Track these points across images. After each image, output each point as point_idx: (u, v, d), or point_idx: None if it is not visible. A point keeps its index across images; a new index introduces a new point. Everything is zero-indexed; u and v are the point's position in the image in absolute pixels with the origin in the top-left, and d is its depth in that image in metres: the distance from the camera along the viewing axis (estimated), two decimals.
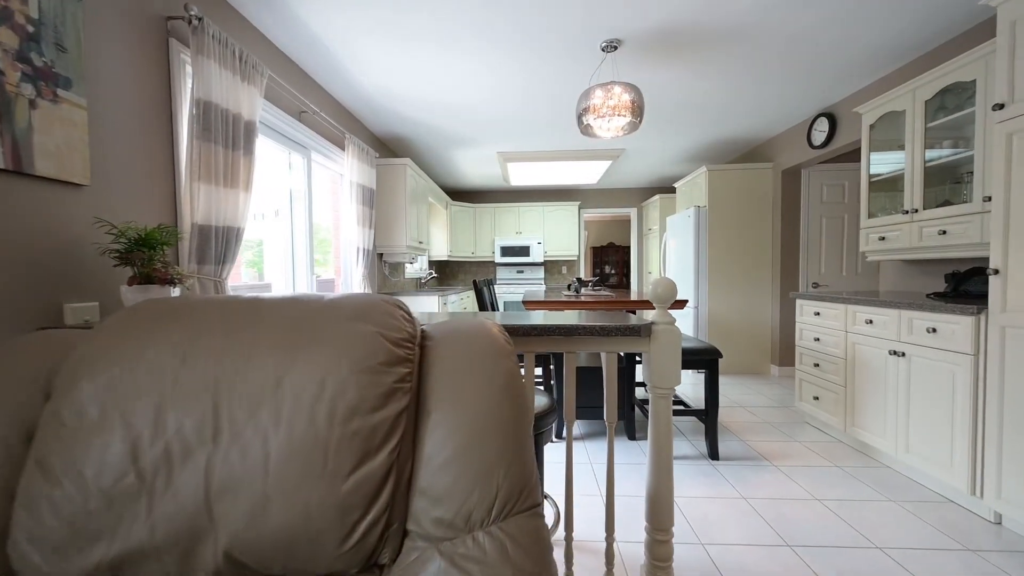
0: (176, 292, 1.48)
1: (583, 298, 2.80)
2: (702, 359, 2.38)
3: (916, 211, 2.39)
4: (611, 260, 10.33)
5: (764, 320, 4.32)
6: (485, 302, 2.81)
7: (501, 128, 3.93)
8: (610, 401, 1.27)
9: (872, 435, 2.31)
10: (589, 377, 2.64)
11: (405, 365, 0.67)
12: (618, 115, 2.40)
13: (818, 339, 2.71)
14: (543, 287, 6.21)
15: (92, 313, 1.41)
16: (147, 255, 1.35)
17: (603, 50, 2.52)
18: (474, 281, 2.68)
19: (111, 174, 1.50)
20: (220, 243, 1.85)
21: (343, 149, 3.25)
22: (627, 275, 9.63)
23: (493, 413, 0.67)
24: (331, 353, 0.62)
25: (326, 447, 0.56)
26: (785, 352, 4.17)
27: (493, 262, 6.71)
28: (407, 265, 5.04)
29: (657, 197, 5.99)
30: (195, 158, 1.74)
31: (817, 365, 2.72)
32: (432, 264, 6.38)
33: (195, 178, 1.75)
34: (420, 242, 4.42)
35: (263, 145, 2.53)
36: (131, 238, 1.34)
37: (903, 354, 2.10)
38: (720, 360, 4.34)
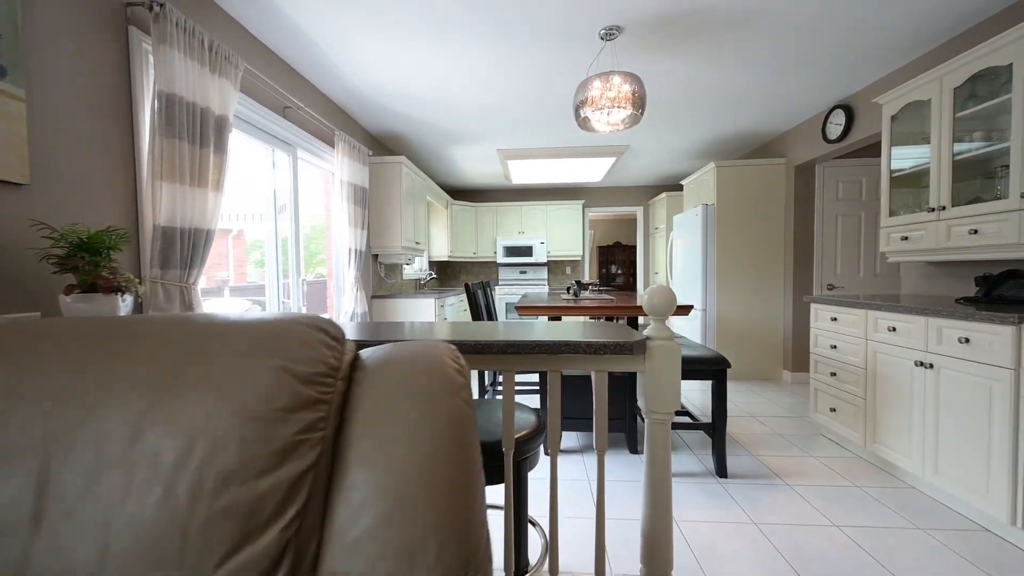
0: (126, 301, 1.35)
1: (584, 302, 2.65)
2: (708, 369, 2.21)
3: (943, 209, 2.20)
4: (618, 260, 10.14)
5: (776, 323, 4.12)
6: (479, 307, 2.67)
7: (499, 124, 3.78)
8: (600, 426, 1.12)
9: (895, 453, 2.12)
10: (588, 384, 2.49)
11: (317, 408, 0.53)
12: (618, 107, 2.24)
13: (835, 346, 2.53)
14: (546, 288, 6.06)
15: None
16: (89, 261, 1.23)
17: (602, 38, 2.36)
18: (466, 285, 2.53)
19: (58, 172, 1.38)
20: (186, 246, 1.72)
21: (333, 147, 3.12)
22: (634, 275, 9.43)
23: (429, 469, 0.53)
24: (211, 397, 0.47)
25: (184, 531, 0.42)
26: (799, 357, 3.97)
27: (495, 262, 6.56)
28: (405, 266, 4.92)
29: (664, 195, 5.80)
30: (157, 155, 1.62)
31: (834, 374, 2.53)
32: (433, 265, 6.26)
33: (157, 176, 1.62)
34: (417, 243, 4.29)
35: (243, 143, 2.41)
36: (72, 242, 1.22)
37: (931, 366, 1.92)
38: (729, 367, 4.15)
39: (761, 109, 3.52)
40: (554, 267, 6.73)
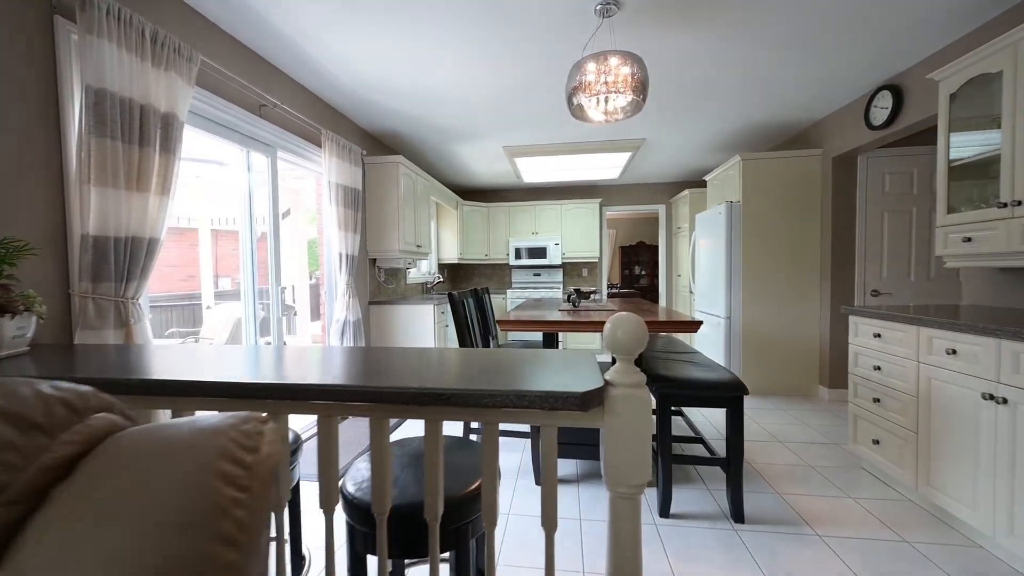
0: (26, 323, 1.19)
1: (580, 315, 2.36)
2: (720, 396, 1.89)
3: (1018, 204, 1.80)
4: (642, 260, 9.70)
5: (811, 333, 3.69)
6: (467, 322, 2.43)
7: (499, 119, 3.53)
8: (548, 497, 0.85)
9: (955, 502, 1.74)
10: None
11: None
12: (616, 93, 1.95)
13: (878, 368, 2.14)
14: (560, 291, 5.77)
15: None
16: None
17: (598, 13, 2.07)
18: (449, 295, 2.30)
19: None
20: (123, 257, 1.57)
21: (320, 146, 2.96)
22: (658, 277, 8.97)
23: None
24: None
25: None
26: (837, 372, 3.53)
27: (508, 265, 6.32)
28: (409, 270, 4.75)
29: (687, 192, 5.40)
30: (86, 157, 1.47)
31: (878, 401, 2.15)
32: (443, 268, 6.09)
33: (86, 180, 1.47)
34: (419, 245, 4.10)
35: (212, 143, 2.27)
36: None
37: (1004, 400, 1.54)
38: (747, 393, 3.75)
39: (794, 93, 3.12)
40: (570, 269, 6.42)
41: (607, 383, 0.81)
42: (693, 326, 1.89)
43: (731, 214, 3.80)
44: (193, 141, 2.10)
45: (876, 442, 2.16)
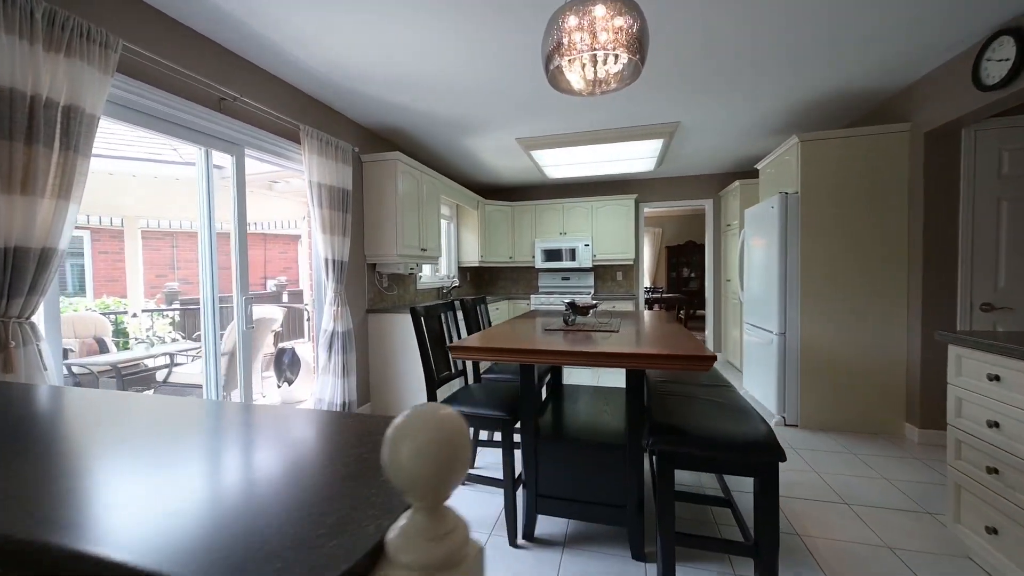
0: None
1: (579, 344, 1.90)
2: (743, 461, 1.36)
3: None
4: (692, 261, 8.86)
5: (895, 356, 2.93)
6: (441, 340, 2.05)
7: (505, 107, 3.12)
8: None
9: None
10: (585, 456, 1.75)
11: None
12: (604, 52, 1.49)
13: (996, 424, 1.49)
14: (589, 299, 5.24)
15: None
16: None
17: None
18: (412, 309, 1.93)
19: None
20: (6, 270, 1.36)
21: (300, 143, 2.73)
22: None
23: None
24: None
25: None
26: (931, 407, 2.76)
27: (534, 268, 5.89)
28: (420, 275, 4.48)
29: (737, 184, 4.67)
30: None
31: (995, 472, 1.50)
32: (465, 272, 5.78)
33: None
34: (424, 249, 3.80)
35: (155, 141, 2.06)
36: None
37: None
38: (783, 460, 3.05)
39: (874, 52, 2.44)
40: (602, 273, 5.86)
41: (382, 549, 0.39)
42: (703, 363, 1.37)
43: (786, 208, 3.12)
44: (151, 139, 1.90)
45: (993, 531, 1.51)
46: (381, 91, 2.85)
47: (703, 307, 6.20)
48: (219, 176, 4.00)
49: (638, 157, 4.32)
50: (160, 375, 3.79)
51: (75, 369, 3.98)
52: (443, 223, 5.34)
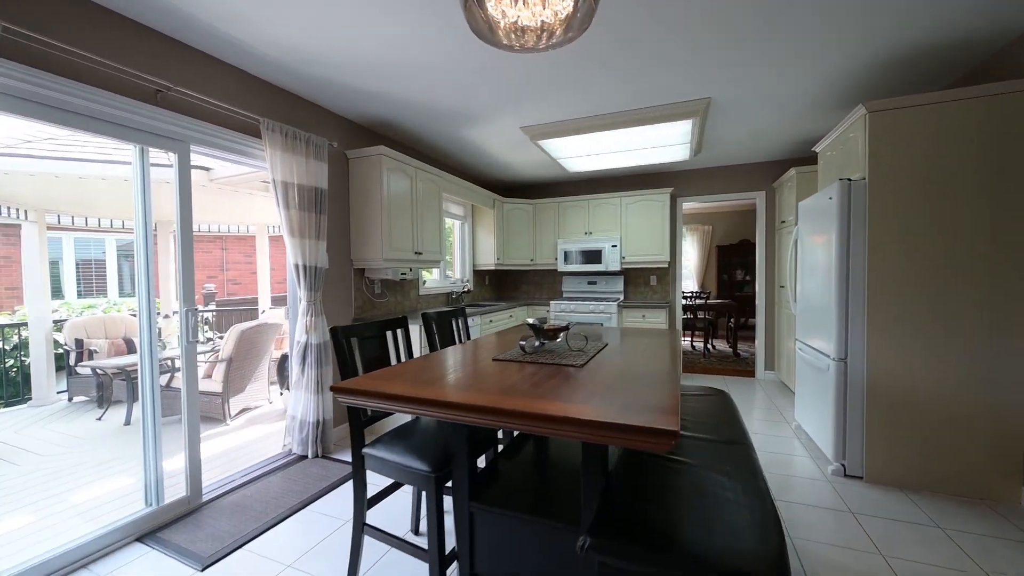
0: None
1: (521, 400, 1.46)
2: None
3: None
4: (747, 263, 7.90)
5: (1011, 397, 2.17)
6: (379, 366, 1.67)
7: (499, 89, 2.71)
8: None
9: None
10: (533, 536, 1.31)
11: None
12: None
13: None
14: (615, 307, 4.67)
15: None
16: None
17: None
18: (332, 331, 1.57)
19: None
20: None
21: (260, 138, 2.49)
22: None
23: None
24: None
25: None
26: None
27: (557, 270, 5.41)
28: (424, 280, 4.18)
29: (792, 172, 3.92)
30: None
31: None
32: (484, 275, 5.42)
33: None
34: (419, 252, 3.48)
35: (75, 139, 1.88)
36: None
37: None
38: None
39: None
40: (633, 276, 5.25)
41: None
42: (657, 442, 0.88)
43: (848, 199, 2.44)
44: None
45: None
46: (353, 78, 2.55)
47: (754, 314, 5.36)
48: (206, 177, 3.95)
49: (667, 144, 3.72)
50: (163, 379, 3.79)
51: (98, 371, 4.11)
52: (456, 224, 5.03)
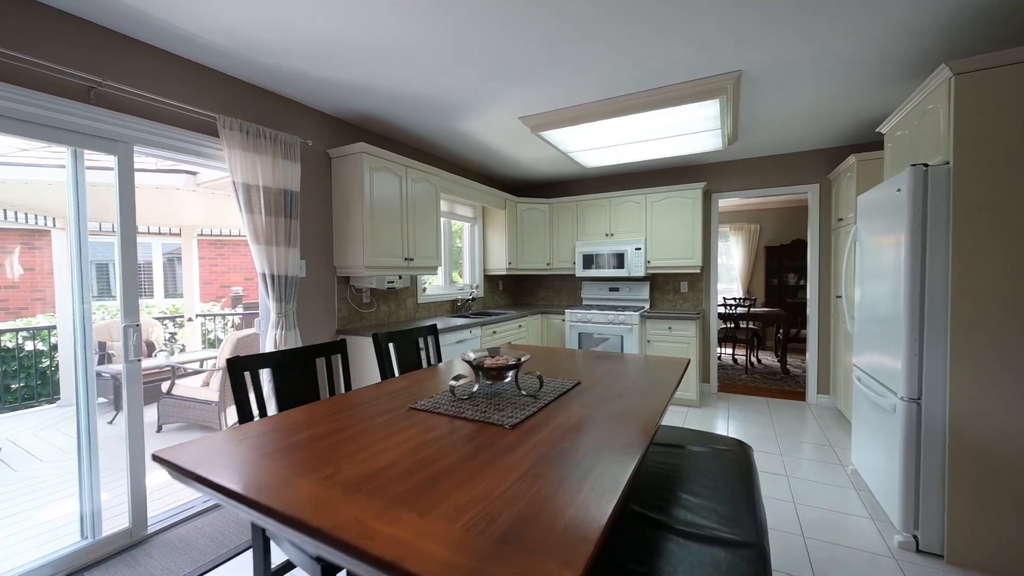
0: None
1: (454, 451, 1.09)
2: None
3: None
4: (801, 266, 7.03)
5: None
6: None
7: (485, 72, 2.36)
8: None
9: None
10: None
11: None
12: None
13: None
14: (638, 316, 4.16)
15: None
16: None
17: None
18: (228, 362, 1.29)
19: None
20: None
21: (218, 136, 2.28)
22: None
23: None
24: None
25: None
26: None
27: (575, 276, 4.96)
28: (425, 287, 3.89)
29: (852, 160, 3.28)
30: None
31: None
32: (498, 280, 5.08)
33: None
34: (409, 259, 3.19)
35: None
36: None
37: None
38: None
39: None
40: (661, 283, 4.71)
41: None
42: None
43: (924, 190, 1.87)
44: None
45: None
46: (315, 67, 2.29)
47: (805, 325, 4.59)
48: (193, 181, 3.86)
49: (694, 131, 3.20)
50: (164, 386, 3.76)
51: (102, 374, 4.17)
52: (465, 226, 4.72)
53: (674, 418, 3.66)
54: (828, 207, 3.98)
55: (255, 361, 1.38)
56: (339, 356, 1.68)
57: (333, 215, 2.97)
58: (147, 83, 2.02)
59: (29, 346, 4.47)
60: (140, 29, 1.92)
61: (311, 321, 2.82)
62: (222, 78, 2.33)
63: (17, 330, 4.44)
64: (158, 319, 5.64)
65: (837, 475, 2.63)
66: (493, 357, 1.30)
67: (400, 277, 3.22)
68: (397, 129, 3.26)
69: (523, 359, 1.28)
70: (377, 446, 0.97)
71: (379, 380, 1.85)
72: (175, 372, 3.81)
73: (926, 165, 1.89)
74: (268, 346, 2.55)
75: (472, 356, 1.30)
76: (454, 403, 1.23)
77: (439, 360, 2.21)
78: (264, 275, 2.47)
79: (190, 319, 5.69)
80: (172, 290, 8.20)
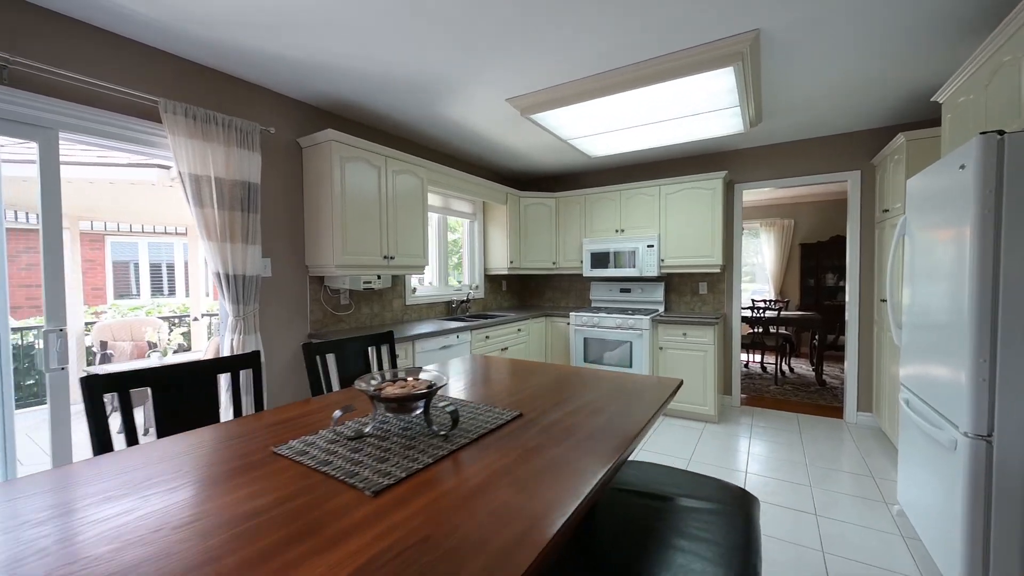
0: None
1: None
2: None
3: None
4: (839, 265, 6.39)
5: None
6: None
7: (458, 43, 2.07)
8: None
9: None
10: None
11: None
12: None
13: None
14: (649, 321, 3.76)
15: None
16: None
17: None
18: (87, 380, 1.05)
19: None
20: None
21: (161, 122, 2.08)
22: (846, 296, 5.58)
23: None
24: None
25: None
26: None
27: (582, 276, 4.59)
28: (414, 287, 3.63)
29: (901, 140, 2.79)
30: None
31: None
32: (501, 280, 4.77)
33: None
34: (389, 257, 2.94)
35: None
36: None
37: None
38: None
39: None
40: (677, 284, 4.28)
41: None
42: None
43: (999, 164, 1.44)
44: None
45: None
46: (261, 41, 2.05)
47: (844, 331, 4.03)
48: (168, 176, 3.73)
49: (710, 110, 2.79)
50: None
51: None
52: (464, 223, 4.45)
53: (687, 436, 3.26)
54: (871, 197, 3.46)
55: (126, 381, 1.13)
56: (251, 371, 1.43)
57: (305, 210, 2.75)
58: (74, 62, 1.83)
59: None
60: (57, 1, 1.72)
61: (278, 324, 2.61)
62: (163, 57, 2.12)
63: None
64: (165, 319, 5.65)
65: (879, 516, 2.18)
66: (396, 382, 1.00)
67: (379, 277, 2.96)
68: (377, 116, 3.01)
69: (438, 385, 0.98)
70: (173, 520, 0.69)
71: (260, 407, 1.57)
72: None
73: (1000, 132, 1.46)
74: (225, 351, 2.34)
75: (375, 380, 1.00)
76: (333, 445, 0.94)
77: (391, 363, 1.93)
78: (219, 275, 2.26)
79: (196, 319, 5.68)
80: (164, 289, 8.27)
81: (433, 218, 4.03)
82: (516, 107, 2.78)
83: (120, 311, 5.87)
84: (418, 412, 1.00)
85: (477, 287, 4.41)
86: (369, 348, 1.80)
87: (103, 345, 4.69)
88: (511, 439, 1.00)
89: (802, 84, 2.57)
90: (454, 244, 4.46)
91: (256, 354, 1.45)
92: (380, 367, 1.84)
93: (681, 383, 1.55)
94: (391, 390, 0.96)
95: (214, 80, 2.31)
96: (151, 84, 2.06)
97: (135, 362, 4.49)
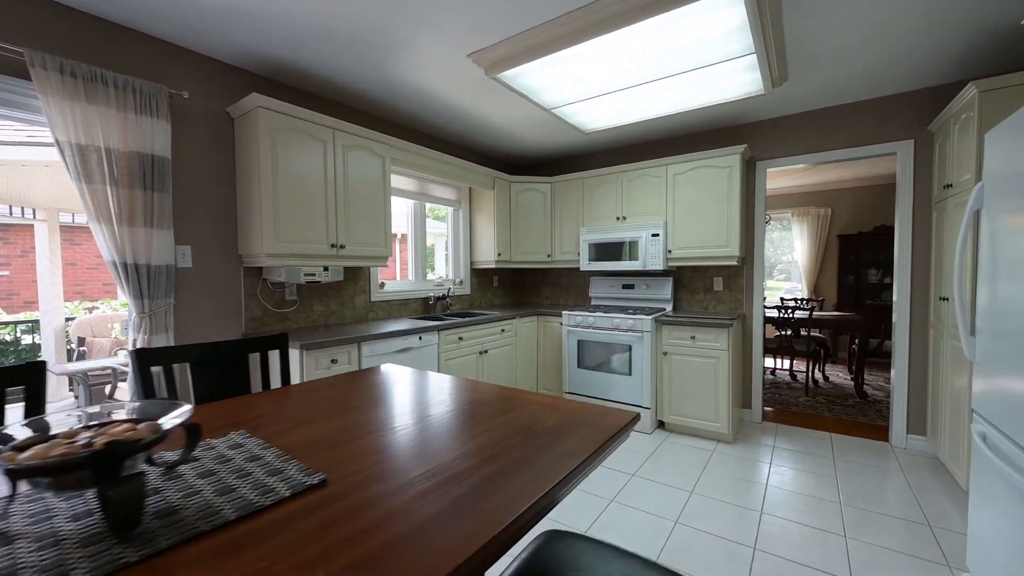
0: None
1: None
2: None
3: None
4: (883, 260, 5.63)
5: None
6: None
7: None
8: None
9: None
10: None
11: None
12: None
13: None
14: (651, 322, 3.23)
15: None
16: None
17: None
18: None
19: None
20: None
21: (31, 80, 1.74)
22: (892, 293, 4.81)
23: None
24: None
25: None
26: None
27: (580, 270, 4.09)
28: (383, 281, 3.23)
29: (973, 91, 2.18)
30: None
31: None
32: (492, 275, 4.33)
33: None
34: (339, 246, 2.55)
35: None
36: None
37: None
38: None
39: None
40: (688, 279, 3.73)
41: None
42: None
43: None
44: None
45: None
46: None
47: (890, 334, 3.30)
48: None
49: (718, 60, 2.25)
50: (107, 389, 3.42)
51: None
52: (449, 211, 4.02)
53: (692, 459, 2.73)
54: (926, 172, 2.83)
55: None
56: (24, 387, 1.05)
57: (237, 191, 2.39)
58: None
59: None
60: None
61: (201, 322, 2.26)
62: (40, 2, 1.78)
63: None
64: None
65: None
66: (91, 428, 0.58)
67: (326, 269, 2.58)
68: (322, 82, 2.62)
69: (146, 440, 0.55)
70: None
71: None
72: (116, 375, 3.45)
73: None
74: (124, 355, 2.00)
75: (20, 430, 0.57)
76: None
77: (282, 381, 1.52)
78: (115, 264, 1.92)
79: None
80: None
81: (407, 205, 3.62)
82: (481, 65, 2.32)
83: (112, 307, 5.77)
84: (159, 464, 0.57)
85: (461, 282, 3.99)
86: (241, 356, 1.40)
87: (80, 341, 4.54)
88: (265, 539, 0.56)
89: (836, 24, 2.01)
90: (438, 235, 4.05)
91: (284, 335, 1.07)
92: (265, 380, 1.43)
93: (637, 417, 1.06)
94: (32, 454, 0.52)
95: (104, 31, 1.95)
96: (12, 32, 1.72)
97: (65, 364, 4.27)
